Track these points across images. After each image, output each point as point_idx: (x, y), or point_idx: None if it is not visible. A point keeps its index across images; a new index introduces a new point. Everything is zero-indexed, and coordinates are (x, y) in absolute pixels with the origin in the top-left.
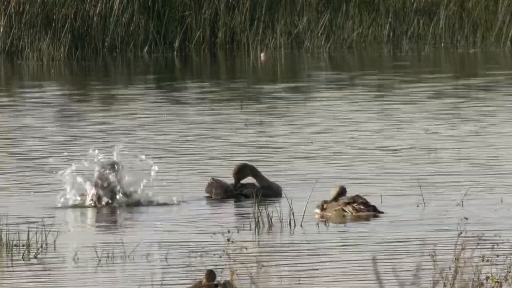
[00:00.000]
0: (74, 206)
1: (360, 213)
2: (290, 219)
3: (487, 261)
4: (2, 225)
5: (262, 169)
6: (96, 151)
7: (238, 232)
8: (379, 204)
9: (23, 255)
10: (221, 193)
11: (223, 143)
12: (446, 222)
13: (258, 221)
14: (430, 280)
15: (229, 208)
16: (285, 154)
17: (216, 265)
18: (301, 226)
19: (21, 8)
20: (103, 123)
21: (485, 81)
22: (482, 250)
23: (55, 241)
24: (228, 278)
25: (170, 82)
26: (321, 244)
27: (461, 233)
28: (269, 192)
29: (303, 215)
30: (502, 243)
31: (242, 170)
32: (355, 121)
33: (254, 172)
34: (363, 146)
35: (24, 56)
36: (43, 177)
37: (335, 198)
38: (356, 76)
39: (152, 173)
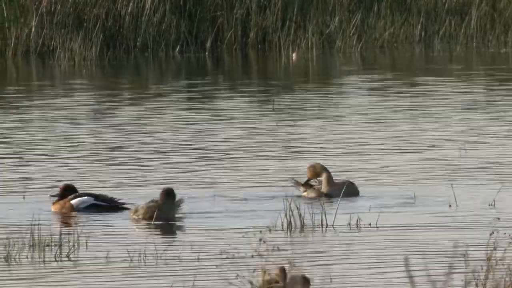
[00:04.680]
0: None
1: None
2: (322, 219)
3: None
4: (35, 225)
5: (296, 170)
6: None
7: (270, 232)
8: (411, 201)
9: (55, 255)
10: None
11: (254, 143)
12: (478, 222)
13: (290, 221)
14: (462, 280)
15: (260, 208)
16: (317, 154)
17: (247, 265)
18: (332, 226)
19: (52, 8)
20: (134, 124)
21: None
22: None
23: (87, 241)
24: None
25: (202, 82)
26: (353, 244)
27: (493, 233)
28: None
29: (335, 215)
30: None
31: (313, 169)
32: (387, 121)
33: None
34: (397, 146)
35: (56, 56)
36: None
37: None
38: (388, 76)
39: None
